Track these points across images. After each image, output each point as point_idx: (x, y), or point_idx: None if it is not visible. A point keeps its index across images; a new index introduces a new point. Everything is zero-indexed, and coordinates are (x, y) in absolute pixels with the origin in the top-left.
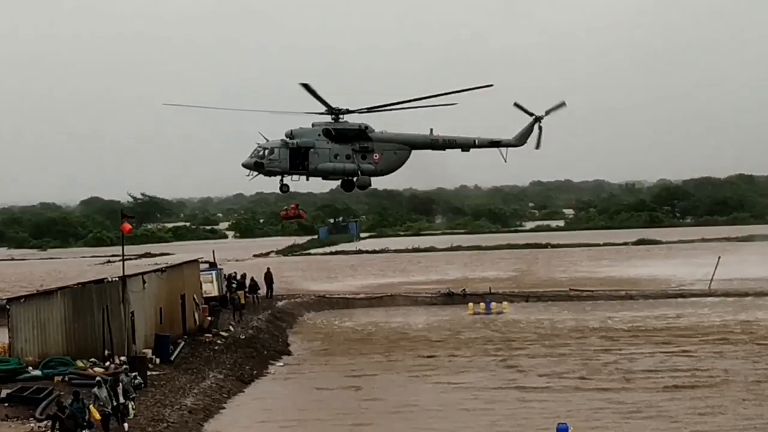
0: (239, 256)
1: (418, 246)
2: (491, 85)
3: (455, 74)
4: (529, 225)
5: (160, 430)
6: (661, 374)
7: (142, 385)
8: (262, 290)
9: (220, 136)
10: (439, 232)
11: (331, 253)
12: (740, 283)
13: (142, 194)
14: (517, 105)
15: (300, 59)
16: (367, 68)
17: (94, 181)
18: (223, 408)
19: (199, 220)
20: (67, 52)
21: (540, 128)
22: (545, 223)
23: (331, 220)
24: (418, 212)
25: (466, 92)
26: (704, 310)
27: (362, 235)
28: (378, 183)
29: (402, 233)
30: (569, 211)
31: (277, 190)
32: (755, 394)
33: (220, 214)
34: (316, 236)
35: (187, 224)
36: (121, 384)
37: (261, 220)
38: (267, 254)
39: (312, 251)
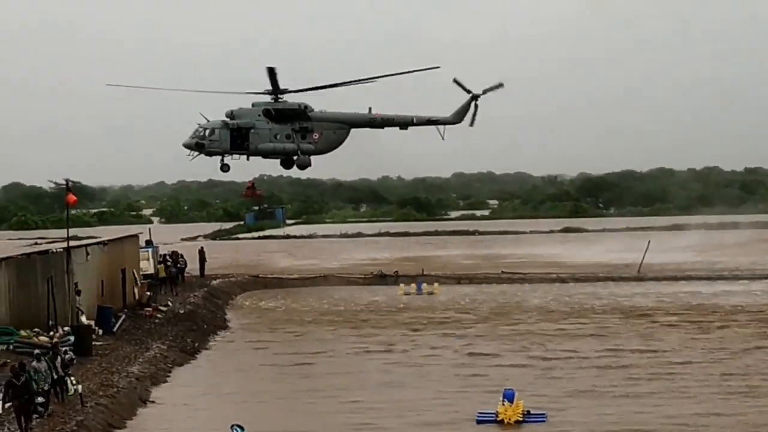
0: (167, 239)
1: (347, 232)
2: (438, 67)
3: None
4: (455, 214)
5: (110, 395)
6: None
7: (74, 361)
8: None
9: (141, 123)
10: (365, 219)
11: (260, 238)
12: (667, 266)
13: (65, 179)
14: (456, 81)
15: (243, 41)
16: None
17: (11, 166)
18: (168, 377)
19: (123, 206)
20: None
21: (476, 106)
22: (470, 212)
23: (256, 207)
24: (342, 201)
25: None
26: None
27: (288, 221)
28: (299, 171)
29: (328, 220)
30: (493, 202)
31: (199, 178)
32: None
33: (143, 201)
34: (242, 222)
35: (112, 210)
36: (59, 357)
37: (185, 207)
38: (195, 238)
39: (240, 236)
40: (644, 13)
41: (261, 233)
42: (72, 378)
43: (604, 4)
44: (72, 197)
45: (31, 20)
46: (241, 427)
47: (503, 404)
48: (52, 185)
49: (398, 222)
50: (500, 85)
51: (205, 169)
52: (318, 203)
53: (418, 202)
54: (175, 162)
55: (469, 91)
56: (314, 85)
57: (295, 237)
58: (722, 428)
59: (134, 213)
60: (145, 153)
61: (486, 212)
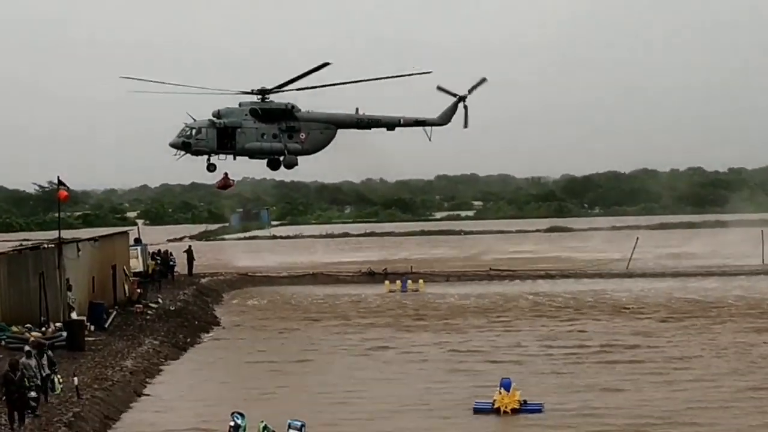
0: (153, 240)
1: (333, 232)
2: (429, 72)
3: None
4: (440, 215)
5: (106, 388)
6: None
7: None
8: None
9: (123, 126)
10: (350, 220)
11: (246, 239)
12: (657, 263)
13: (49, 182)
14: (440, 88)
15: (229, 37)
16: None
17: None
18: (161, 371)
19: (107, 208)
20: None
21: (465, 107)
22: (455, 213)
23: (240, 210)
24: (326, 202)
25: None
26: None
27: (273, 223)
28: (283, 175)
29: (314, 222)
30: (478, 203)
31: (182, 181)
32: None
33: (126, 204)
34: (227, 224)
35: (96, 212)
36: (46, 355)
37: (170, 210)
38: (181, 239)
39: (226, 237)
40: (628, 18)
41: (247, 234)
42: (58, 376)
43: (587, 9)
44: (63, 193)
45: (12, 15)
46: (242, 414)
47: (500, 393)
48: (37, 188)
49: (384, 223)
50: (483, 80)
51: (188, 171)
52: (303, 205)
53: (403, 203)
54: (158, 165)
55: (454, 95)
56: (302, 86)
57: (281, 237)
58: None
59: (119, 215)
60: (128, 156)
61: (470, 213)
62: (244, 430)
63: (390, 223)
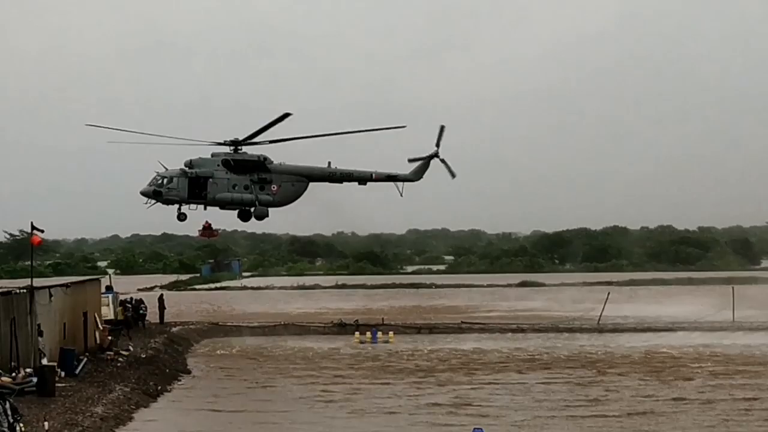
0: (124, 290)
1: (304, 284)
2: (404, 126)
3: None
4: (411, 268)
5: None
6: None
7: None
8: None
9: (95, 177)
10: (322, 273)
11: (216, 289)
12: (625, 319)
13: (20, 230)
14: (410, 160)
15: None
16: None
17: None
18: (132, 418)
19: (77, 258)
20: None
21: (442, 160)
22: (426, 267)
23: (211, 260)
24: (298, 254)
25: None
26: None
27: (245, 274)
28: (255, 226)
29: (284, 273)
30: (449, 257)
31: (153, 232)
32: None
33: (97, 254)
34: (198, 274)
35: (68, 261)
36: (8, 402)
37: (140, 260)
38: (152, 288)
39: (197, 287)
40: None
41: (218, 284)
42: (21, 425)
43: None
44: (37, 238)
45: None
46: None
47: None
48: (7, 236)
49: (355, 275)
50: (442, 127)
51: (159, 222)
52: (274, 257)
53: (374, 256)
54: (129, 215)
55: (437, 145)
56: (275, 138)
57: (252, 288)
58: None
59: (89, 264)
60: (99, 207)
61: (442, 267)
62: None
63: (361, 276)
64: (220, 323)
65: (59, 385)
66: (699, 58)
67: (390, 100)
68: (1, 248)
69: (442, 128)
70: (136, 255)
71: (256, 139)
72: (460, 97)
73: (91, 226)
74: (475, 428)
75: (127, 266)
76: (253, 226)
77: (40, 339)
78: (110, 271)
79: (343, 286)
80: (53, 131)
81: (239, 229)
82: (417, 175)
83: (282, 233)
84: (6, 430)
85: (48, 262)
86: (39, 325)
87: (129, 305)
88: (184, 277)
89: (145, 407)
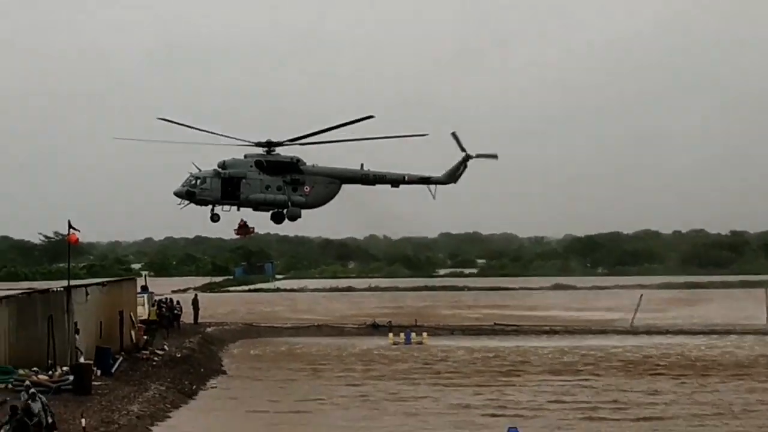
0: (158, 291)
1: (337, 286)
2: (426, 134)
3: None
4: (443, 271)
5: (112, 431)
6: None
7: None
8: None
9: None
10: (354, 275)
11: (250, 291)
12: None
13: (55, 232)
14: (453, 135)
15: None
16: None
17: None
18: (169, 416)
19: (111, 260)
20: None
21: (465, 166)
22: (459, 270)
23: (244, 263)
24: (330, 257)
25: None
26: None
27: (278, 276)
28: (287, 229)
29: (317, 276)
30: (481, 261)
31: (186, 235)
32: None
33: (131, 256)
34: (231, 276)
35: (102, 263)
36: (39, 401)
37: (174, 262)
38: (185, 290)
39: (230, 288)
40: (630, 74)
41: (251, 286)
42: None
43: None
44: (74, 236)
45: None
46: None
47: None
48: (42, 238)
49: (387, 278)
50: (494, 156)
51: (192, 225)
52: (307, 259)
53: (407, 259)
54: (162, 218)
55: (464, 150)
56: (308, 140)
57: (285, 290)
58: None
59: (123, 266)
60: (132, 209)
61: (474, 270)
62: None
63: (393, 278)
64: (254, 324)
65: (95, 383)
66: (739, 55)
67: (428, 103)
68: (36, 250)
69: (494, 155)
70: (169, 257)
71: (293, 143)
72: (494, 99)
73: (125, 229)
74: (510, 428)
75: (160, 268)
76: (286, 229)
77: (76, 337)
78: (144, 272)
79: (376, 288)
80: (86, 135)
81: (272, 232)
82: (450, 178)
83: (315, 236)
84: (47, 423)
85: (82, 265)
86: (76, 324)
87: (164, 306)
88: (217, 279)
89: (180, 406)
